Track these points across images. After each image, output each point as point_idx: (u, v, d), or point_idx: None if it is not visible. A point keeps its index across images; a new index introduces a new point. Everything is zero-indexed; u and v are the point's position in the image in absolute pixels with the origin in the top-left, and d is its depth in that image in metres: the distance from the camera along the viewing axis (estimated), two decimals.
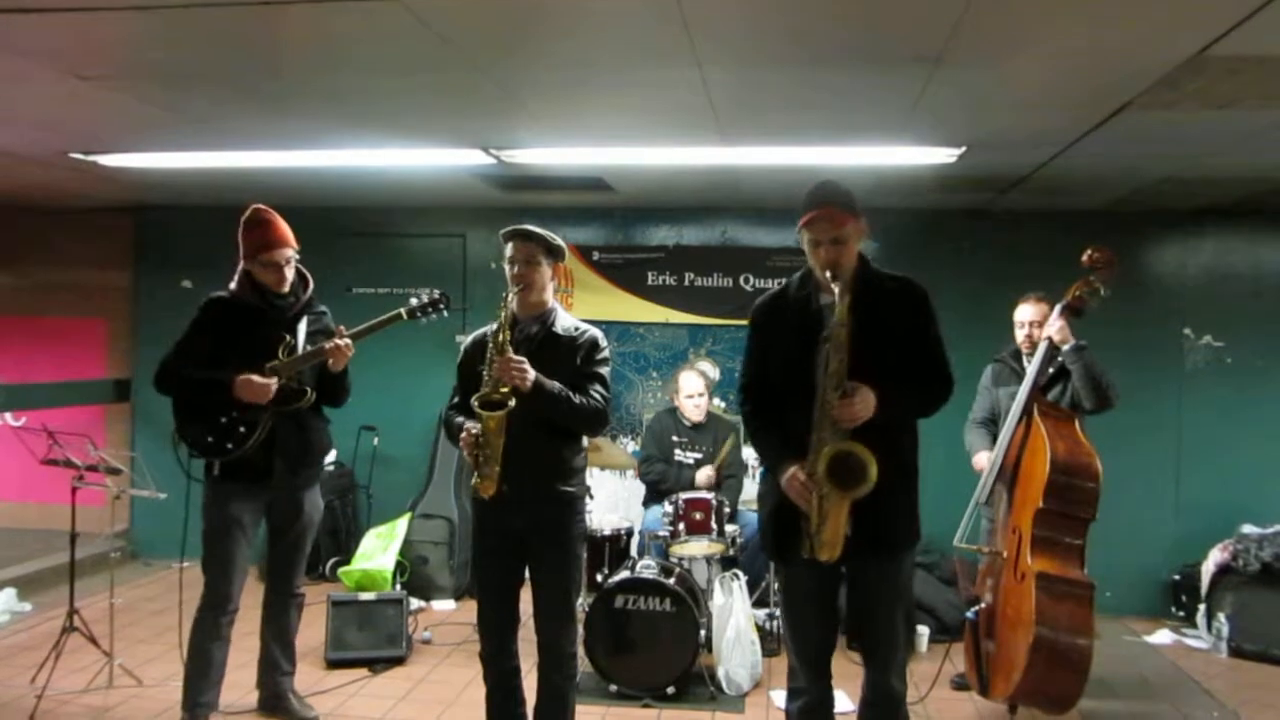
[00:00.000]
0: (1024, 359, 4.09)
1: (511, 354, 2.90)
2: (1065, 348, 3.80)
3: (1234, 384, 5.55)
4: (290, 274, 3.47)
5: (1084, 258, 3.47)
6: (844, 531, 2.59)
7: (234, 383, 3.29)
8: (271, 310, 3.45)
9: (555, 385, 2.96)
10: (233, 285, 3.47)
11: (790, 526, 2.70)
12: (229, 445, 3.35)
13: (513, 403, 2.85)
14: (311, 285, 3.60)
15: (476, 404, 2.86)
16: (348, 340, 3.42)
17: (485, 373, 2.93)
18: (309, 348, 3.46)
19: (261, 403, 3.32)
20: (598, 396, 3.04)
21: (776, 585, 4.79)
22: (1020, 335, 4.14)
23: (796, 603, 2.90)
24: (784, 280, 2.94)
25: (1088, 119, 3.58)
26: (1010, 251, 5.58)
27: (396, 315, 3.48)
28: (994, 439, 4.04)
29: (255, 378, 3.30)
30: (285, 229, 3.44)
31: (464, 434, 2.94)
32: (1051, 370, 3.88)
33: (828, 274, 2.62)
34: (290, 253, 3.44)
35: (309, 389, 3.44)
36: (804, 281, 2.83)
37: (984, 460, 4.02)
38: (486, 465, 2.90)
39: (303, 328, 3.51)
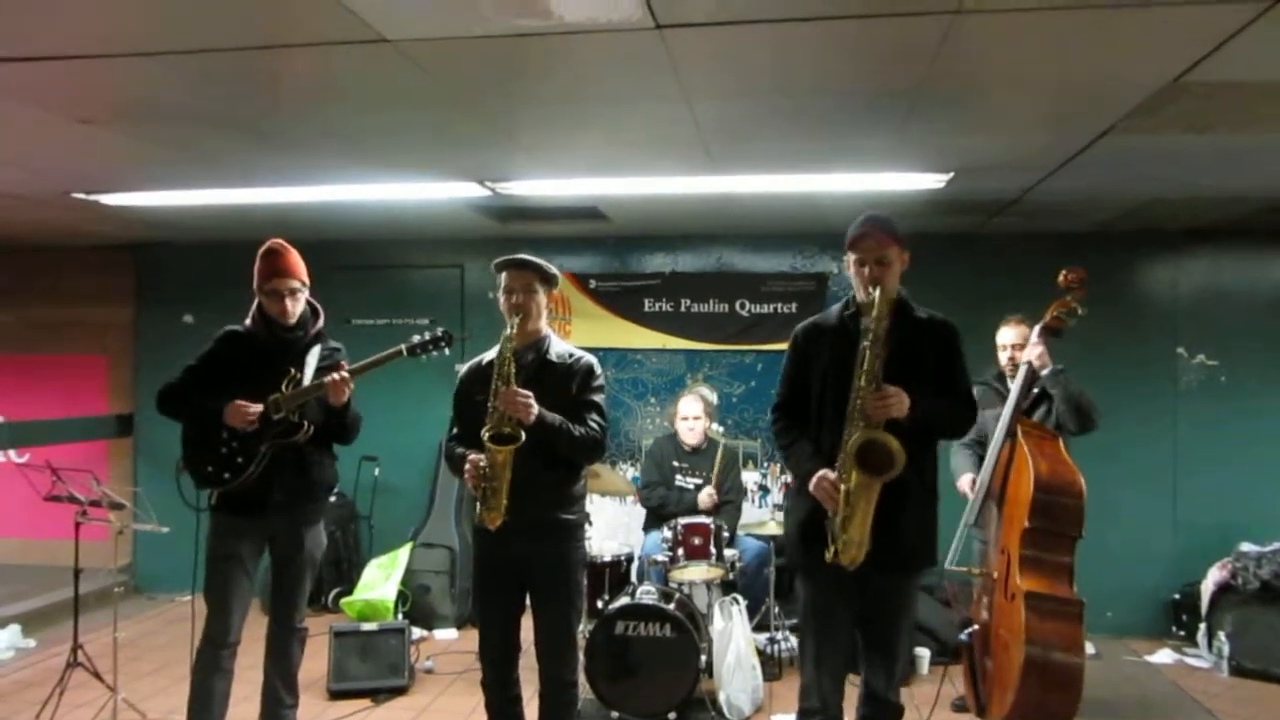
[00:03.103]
0: (1007, 381, 4.14)
1: (516, 387, 2.92)
2: (1044, 372, 3.86)
3: (1229, 402, 5.58)
4: (296, 307, 3.47)
5: (1060, 279, 3.54)
6: (868, 533, 2.66)
7: (225, 409, 3.31)
8: (278, 343, 3.46)
9: (556, 418, 2.98)
10: (248, 320, 3.51)
11: (817, 535, 2.78)
12: (227, 475, 3.37)
13: (523, 437, 2.87)
14: (323, 319, 3.60)
15: (486, 438, 2.89)
16: (345, 374, 3.42)
17: (490, 404, 2.94)
18: (315, 382, 3.47)
19: (242, 428, 3.32)
20: (595, 426, 3.07)
21: (777, 609, 4.82)
22: (1003, 358, 4.22)
23: (820, 613, 2.93)
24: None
25: (1073, 144, 3.65)
26: (1002, 274, 5.63)
27: (397, 352, 3.46)
28: (980, 460, 4.09)
29: (242, 403, 3.30)
30: (294, 261, 3.45)
31: (468, 466, 2.96)
32: (1035, 390, 3.93)
33: (870, 289, 2.74)
34: (295, 284, 3.44)
35: (306, 423, 3.43)
36: (846, 305, 2.96)
37: (966, 482, 4.07)
38: (493, 497, 2.92)
39: (312, 361, 3.50)
